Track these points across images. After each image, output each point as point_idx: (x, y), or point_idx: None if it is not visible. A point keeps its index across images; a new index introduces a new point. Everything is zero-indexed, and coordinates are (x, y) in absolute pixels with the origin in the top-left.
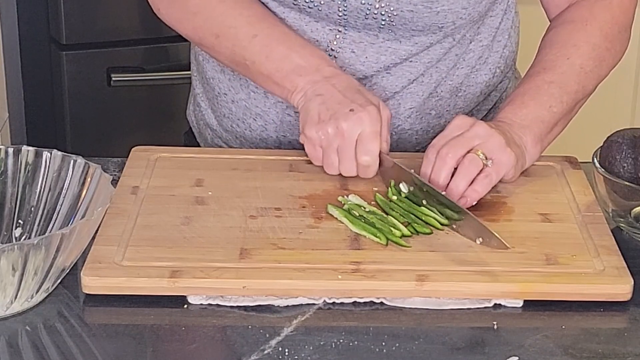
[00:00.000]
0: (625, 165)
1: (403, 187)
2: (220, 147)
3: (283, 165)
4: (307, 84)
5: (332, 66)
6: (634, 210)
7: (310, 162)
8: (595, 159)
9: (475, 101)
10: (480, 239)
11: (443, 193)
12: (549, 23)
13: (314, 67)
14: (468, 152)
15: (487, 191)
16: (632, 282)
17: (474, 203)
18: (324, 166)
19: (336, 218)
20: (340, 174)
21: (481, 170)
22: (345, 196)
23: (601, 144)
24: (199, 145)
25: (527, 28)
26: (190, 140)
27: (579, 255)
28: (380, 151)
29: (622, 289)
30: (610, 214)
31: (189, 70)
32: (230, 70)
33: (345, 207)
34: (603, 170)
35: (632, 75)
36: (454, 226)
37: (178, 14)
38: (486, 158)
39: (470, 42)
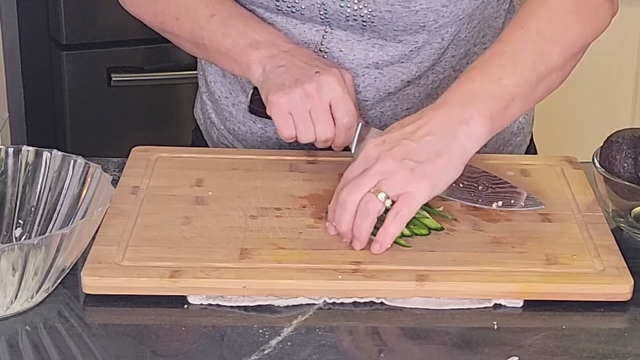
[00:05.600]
0: (625, 165)
1: None
2: (226, 146)
3: (283, 165)
4: (265, 58)
5: (289, 42)
6: (634, 210)
7: (310, 162)
8: (595, 159)
9: None
10: (500, 202)
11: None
12: None
13: (270, 42)
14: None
15: (402, 226)
16: (632, 282)
17: (389, 245)
18: (298, 134)
19: None
20: (339, 173)
21: (393, 204)
22: None
23: (601, 144)
24: (206, 143)
25: None
26: (198, 137)
27: (579, 255)
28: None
29: (622, 289)
30: (610, 214)
31: (189, 70)
32: (230, 74)
33: None
34: (603, 170)
35: (632, 75)
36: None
37: (139, 2)
38: (387, 197)
39: (475, 46)
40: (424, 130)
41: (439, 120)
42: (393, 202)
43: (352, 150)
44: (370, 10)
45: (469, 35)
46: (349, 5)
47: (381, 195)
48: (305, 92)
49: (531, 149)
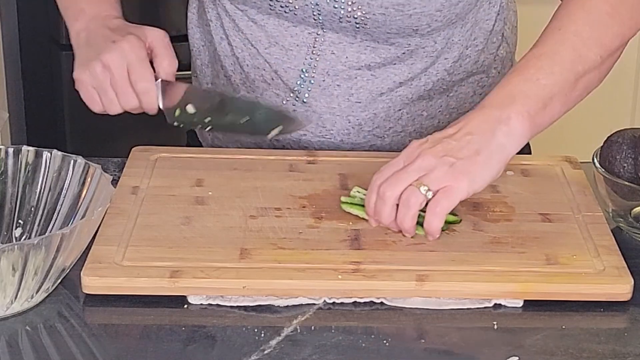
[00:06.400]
0: (625, 165)
1: (190, 109)
2: (220, 147)
3: (283, 165)
4: (81, 31)
5: (114, 17)
6: (634, 210)
7: (310, 162)
8: (595, 159)
9: (469, 100)
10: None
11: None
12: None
13: (94, 15)
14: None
15: (443, 218)
16: (632, 282)
17: (437, 235)
18: (105, 107)
19: (336, 219)
20: (339, 173)
21: (433, 197)
22: (348, 193)
23: (601, 144)
24: (201, 143)
25: (527, 28)
26: (192, 138)
27: (579, 255)
28: (163, 79)
29: (622, 289)
30: (610, 214)
31: (189, 70)
32: (224, 75)
33: (357, 200)
34: (603, 170)
35: (632, 75)
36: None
37: None
38: (429, 189)
39: (467, 48)
40: (465, 130)
41: (478, 121)
42: (433, 195)
43: (162, 107)
44: (364, 12)
45: (462, 38)
46: (342, 7)
47: (423, 189)
48: (102, 64)
49: (525, 149)
